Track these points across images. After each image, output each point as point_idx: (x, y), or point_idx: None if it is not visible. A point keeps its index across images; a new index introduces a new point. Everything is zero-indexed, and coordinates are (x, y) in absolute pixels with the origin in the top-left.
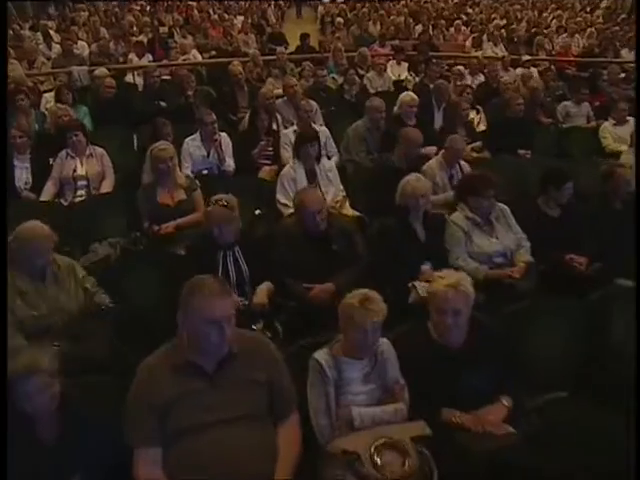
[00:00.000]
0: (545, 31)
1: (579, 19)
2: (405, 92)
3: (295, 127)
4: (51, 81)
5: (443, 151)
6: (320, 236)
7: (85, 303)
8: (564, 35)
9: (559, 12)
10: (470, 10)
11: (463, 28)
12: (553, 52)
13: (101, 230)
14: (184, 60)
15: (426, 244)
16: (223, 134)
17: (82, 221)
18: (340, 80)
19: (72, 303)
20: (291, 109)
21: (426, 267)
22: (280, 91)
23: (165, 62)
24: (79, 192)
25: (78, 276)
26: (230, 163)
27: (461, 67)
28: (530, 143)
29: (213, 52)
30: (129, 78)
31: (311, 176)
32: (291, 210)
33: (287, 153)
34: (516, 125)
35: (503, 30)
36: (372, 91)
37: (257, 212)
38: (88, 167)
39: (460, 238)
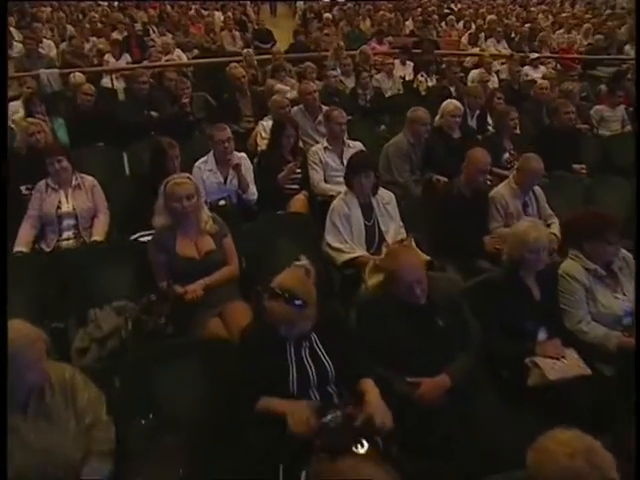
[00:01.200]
0: (541, 27)
1: (565, 14)
2: (448, 100)
3: (325, 143)
4: (15, 86)
5: (515, 173)
6: (420, 309)
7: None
8: (561, 31)
9: (543, 7)
10: (453, 6)
11: (456, 24)
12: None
13: (100, 289)
14: (167, 61)
15: (541, 304)
16: (241, 154)
17: (72, 275)
18: (347, 82)
19: (69, 447)
20: (309, 120)
21: (544, 336)
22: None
23: (147, 63)
24: (65, 234)
25: (78, 404)
26: (253, 190)
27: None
28: (579, 156)
29: (195, 51)
30: (106, 82)
31: (367, 211)
32: (347, 256)
33: (318, 175)
34: (563, 135)
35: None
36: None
37: (300, 258)
38: (75, 202)
39: (581, 296)
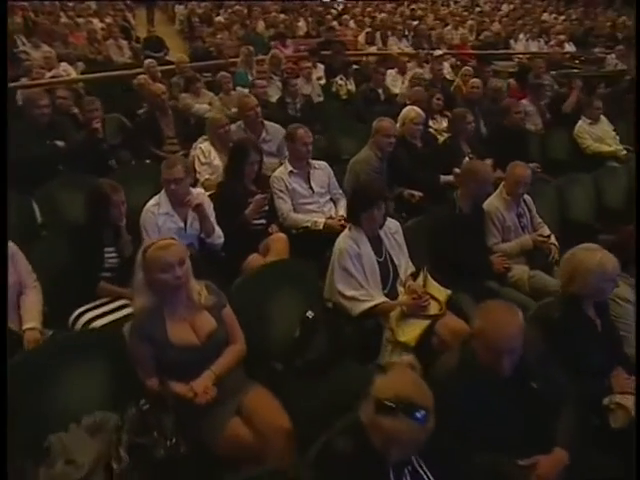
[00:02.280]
0: (433, 23)
1: (443, 12)
2: (409, 107)
3: (289, 166)
4: None
5: (504, 184)
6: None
7: None
8: (449, 28)
9: (421, 5)
10: (336, 6)
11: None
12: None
13: (58, 402)
14: (53, 77)
15: (604, 335)
16: (198, 191)
17: (12, 391)
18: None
19: None
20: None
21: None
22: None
23: (26, 81)
24: None
25: None
26: (219, 233)
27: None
28: (528, 155)
29: (80, 64)
30: None
31: (377, 246)
32: (365, 305)
33: (286, 205)
34: (514, 135)
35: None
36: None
37: (309, 314)
38: None
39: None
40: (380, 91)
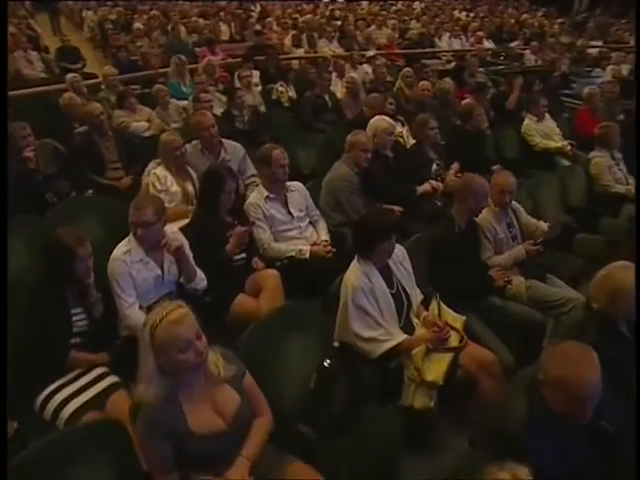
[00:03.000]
0: (359, 23)
1: (361, 11)
2: (378, 116)
3: (264, 191)
4: None
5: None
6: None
7: None
8: (372, 28)
9: (340, 4)
10: (253, 7)
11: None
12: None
13: None
14: None
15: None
16: (172, 229)
17: None
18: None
19: None
20: (211, 159)
21: None
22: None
23: None
24: None
25: None
26: (202, 276)
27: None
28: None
29: None
30: None
31: (388, 277)
32: (386, 345)
33: (265, 234)
34: (475, 137)
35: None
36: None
37: (327, 363)
38: None
39: None
40: (327, 97)
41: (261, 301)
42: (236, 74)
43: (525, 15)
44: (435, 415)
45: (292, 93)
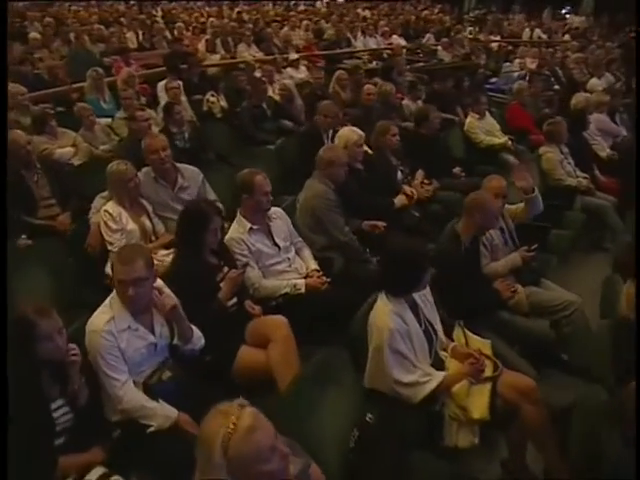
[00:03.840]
0: (274, 25)
1: (269, 12)
2: (347, 128)
3: (246, 223)
4: None
5: None
6: None
7: None
8: (286, 29)
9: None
10: (154, 12)
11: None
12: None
13: None
14: None
15: None
16: (159, 283)
17: None
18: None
19: None
20: (166, 188)
21: None
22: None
23: None
24: None
25: None
26: (199, 334)
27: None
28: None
29: None
30: None
31: (416, 312)
32: (427, 388)
33: (254, 271)
34: (431, 141)
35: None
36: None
37: (369, 418)
38: None
39: None
40: (265, 106)
41: (271, 353)
42: (160, 85)
43: (425, 12)
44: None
45: (224, 103)
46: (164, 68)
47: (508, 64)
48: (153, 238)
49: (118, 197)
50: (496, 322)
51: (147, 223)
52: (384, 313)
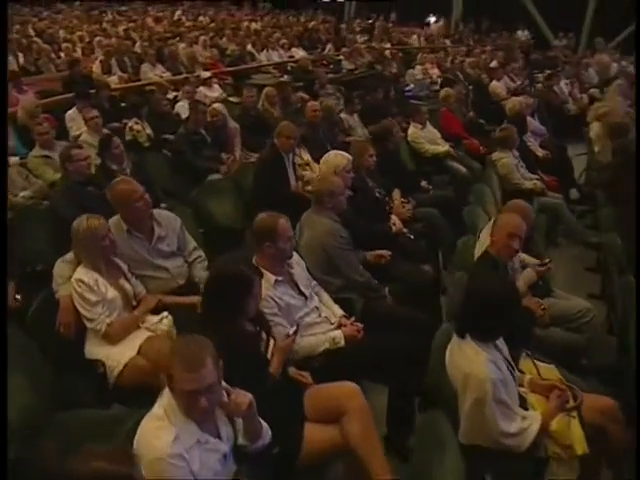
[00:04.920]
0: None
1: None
2: (334, 152)
3: (270, 275)
4: None
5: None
6: None
7: None
8: (183, 45)
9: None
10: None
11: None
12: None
13: None
14: None
15: None
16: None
17: None
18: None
19: None
20: (143, 240)
21: None
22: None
23: None
24: None
25: None
26: (266, 426)
27: None
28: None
29: None
30: None
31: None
32: (531, 433)
33: (285, 330)
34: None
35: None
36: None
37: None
38: None
39: None
40: (203, 132)
41: (348, 428)
42: (69, 115)
43: (313, 23)
44: None
45: (149, 130)
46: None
47: (411, 70)
48: (134, 302)
49: (90, 260)
50: (536, 340)
51: (127, 286)
52: (481, 363)
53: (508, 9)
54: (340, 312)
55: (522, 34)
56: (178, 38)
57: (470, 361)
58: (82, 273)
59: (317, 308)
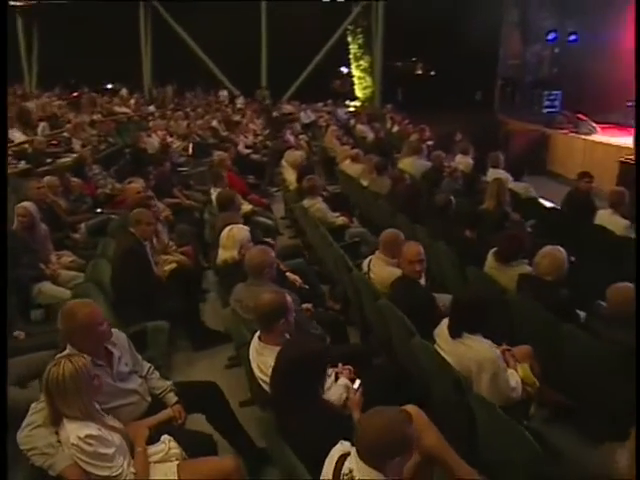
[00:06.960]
0: None
1: None
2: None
3: None
4: None
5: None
6: None
7: None
8: None
9: None
10: None
11: None
12: None
13: None
14: None
15: None
16: None
17: None
18: None
19: None
20: (106, 369)
21: None
22: None
23: None
24: None
25: None
26: None
27: None
28: None
29: None
30: None
31: None
32: None
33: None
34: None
35: None
36: None
37: None
38: None
39: None
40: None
41: (428, 443)
42: None
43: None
44: None
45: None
46: None
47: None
48: None
49: (83, 410)
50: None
51: (116, 424)
52: (486, 347)
53: (194, 72)
54: None
55: (222, 94)
56: None
57: (478, 349)
58: (81, 428)
59: None
